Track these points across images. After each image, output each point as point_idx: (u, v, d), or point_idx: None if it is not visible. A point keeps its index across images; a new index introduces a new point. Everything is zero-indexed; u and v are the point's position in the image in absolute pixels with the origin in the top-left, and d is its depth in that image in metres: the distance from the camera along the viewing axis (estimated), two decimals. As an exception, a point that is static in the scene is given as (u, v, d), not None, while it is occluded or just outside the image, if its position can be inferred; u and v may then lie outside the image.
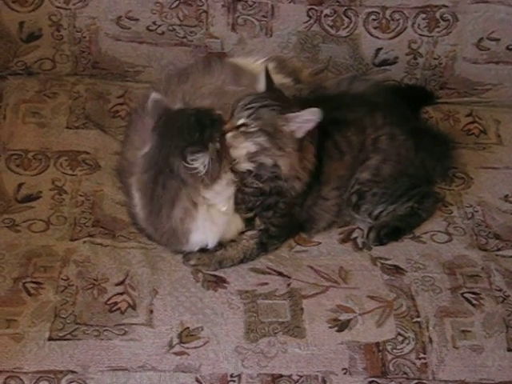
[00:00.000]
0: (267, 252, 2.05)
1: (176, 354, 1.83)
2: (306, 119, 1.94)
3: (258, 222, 2.05)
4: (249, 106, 1.96)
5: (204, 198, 1.94)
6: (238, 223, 2.04)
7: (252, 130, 1.94)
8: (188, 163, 1.86)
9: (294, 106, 1.98)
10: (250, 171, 1.99)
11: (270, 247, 2.06)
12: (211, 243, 2.00)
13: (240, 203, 2.01)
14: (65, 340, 1.83)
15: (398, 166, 2.13)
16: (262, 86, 2.03)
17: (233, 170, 1.97)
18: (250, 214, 2.03)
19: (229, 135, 1.94)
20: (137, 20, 2.43)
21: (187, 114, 1.94)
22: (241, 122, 1.95)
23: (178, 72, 2.34)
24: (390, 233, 2.11)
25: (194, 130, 1.90)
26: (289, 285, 1.98)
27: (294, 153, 1.96)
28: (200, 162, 1.86)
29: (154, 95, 1.98)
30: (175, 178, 1.91)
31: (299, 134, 1.95)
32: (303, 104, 2.11)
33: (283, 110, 1.96)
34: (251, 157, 1.96)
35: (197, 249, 2.01)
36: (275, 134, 1.94)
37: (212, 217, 1.96)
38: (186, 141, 1.89)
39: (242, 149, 1.95)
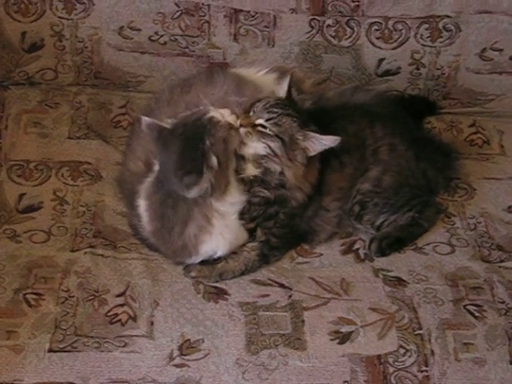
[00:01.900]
0: (269, 264, 2.05)
1: (176, 366, 1.83)
2: (324, 144, 1.95)
3: (259, 232, 2.04)
4: (271, 109, 1.97)
5: (218, 211, 1.94)
6: (244, 232, 2.03)
7: (269, 133, 1.95)
8: (189, 193, 1.86)
9: (311, 123, 2.00)
10: (256, 178, 1.99)
11: (271, 259, 2.05)
12: (222, 252, 2.00)
13: (244, 213, 2.00)
14: (65, 352, 1.83)
15: (399, 177, 2.12)
16: (283, 93, 2.04)
17: (241, 179, 1.97)
18: (252, 225, 2.03)
19: (243, 130, 1.94)
20: (139, 30, 2.44)
21: (178, 135, 1.91)
22: (259, 121, 1.96)
23: (181, 82, 2.33)
24: (392, 243, 2.11)
25: (186, 155, 1.88)
26: (290, 296, 1.97)
27: (302, 167, 1.97)
28: (200, 188, 1.86)
29: (145, 120, 1.95)
30: (184, 200, 1.91)
31: (312, 153, 1.97)
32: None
33: (304, 124, 1.97)
34: (259, 160, 1.96)
35: (204, 259, 2.01)
36: (290, 144, 1.95)
37: (226, 226, 1.97)
38: (182, 167, 1.87)
39: (251, 148, 1.96)
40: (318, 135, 1.96)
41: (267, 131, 1.95)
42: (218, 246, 1.99)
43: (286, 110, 1.98)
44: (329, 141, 1.95)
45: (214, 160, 1.87)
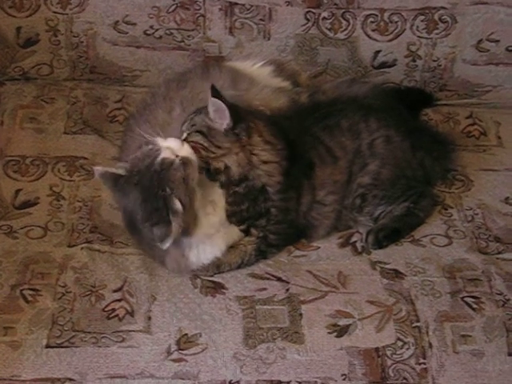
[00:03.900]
0: (266, 259, 2.05)
1: (174, 360, 1.82)
2: (213, 111, 1.94)
3: (253, 231, 2.04)
4: (186, 119, 1.99)
5: (197, 236, 1.94)
6: (234, 233, 2.03)
7: (190, 136, 1.96)
8: (163, 245, 1.83)
9: None
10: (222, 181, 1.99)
11: (268, 255, 2.05)
12: (220, 254, 2.00)
13: (230, 216, 2.00)
14: (62, 347, 1.82)
15: (396, 169, 2.12)
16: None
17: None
18: (243, 226, 2.03)
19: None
20: (134, 24, 2.43)
21: (134, 184, 1.86)
22: (184, 135, 1.97)
23: (177, 77, 2.33)
24: (389, 235, 2.10)
25: (148, 206, 1.84)
26: (287, 290, 1.97)
27: (235, 149, 1.96)
28: (173, 237, 1.82)
29: (97, 170, 1.91)
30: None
31: (224, 127, 1.95)
32: (299, 111, 2.13)
33: (206, 110, 1.98)
34: (203, 165, 1.95)
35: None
36: (209, 132, 1.95)
37: (209, 242, 1.97)
38: (148, 219, 1.84)
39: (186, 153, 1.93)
40: (207, 106, 1.95)
41: (190, 135, 1.96)
42: (213, 253, 1.98)
43: (198, 111, 1.99)
44: (211, 104, 1.93)
45: (177, 204, 1.83)
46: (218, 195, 1.99)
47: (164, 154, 1.86)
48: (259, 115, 2.08)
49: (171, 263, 1.96)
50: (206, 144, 1.95)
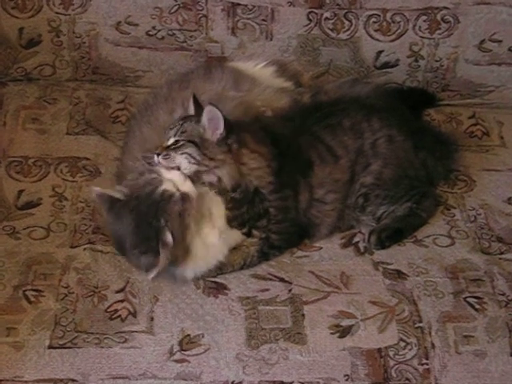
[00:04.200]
0: (268, 261, 2.04)
1: (177, 361, 1.82)
2: (208, 119, 1.93)
3: (255, 233, 2.04)
4: (174, 125, 1.97)
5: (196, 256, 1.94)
6: (236, 236, 2.03)
7: (181, 143, 1.93)
8: (149, 275, 1.84)
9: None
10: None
11: (271, 257, 2.05)
12: (222, 258, 1.99)
13: (231, 221, 1.99)
14: (65, 348, 1.83)
15: (398, 169, 2.12)
16: (191, 112, 2.02)
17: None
18: (245, 229, 2.03)
19: (160, 157, 1.92)
20: (136, 25, 2.43)
21: (130, 210, 1.86)
22: (171, 141, 1.95)
23: (179, 78, 2.33)
24: (391, 235, 2.10)
25: (140, 233, 1.85)
26: (290, 291, 1.97)
27: (227, 157, 1.95)
28: (160, 268, 1.82)
29: (95, 190, 1.91)
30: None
31: (215, 138, 1.93)
32: (300, 111, 2.12)
33: (200, 118, 1.96)
34: (196, 179, 1.94)
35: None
36: (202, 143, 1.93)
37: (211, 250, 1.97)
38: (137, 246, 1.85)
39: (174, 164, 1.92)
40: (202, 117, 1.93)
41: (179, 144, 1.93)
42: (216, 258, 1.98)
43: (187, 118, 1.98)
44: (206, 114, 1.92)
45: (169, 237, 1.83)
46: (215, 204, 1.98)
47: (166, 186, 1.87)
48: (245, 123, 2.07)
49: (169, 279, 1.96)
50: (198, 158, 1.93)
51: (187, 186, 1.90)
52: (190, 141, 1.93)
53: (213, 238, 1.96)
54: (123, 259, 2.00)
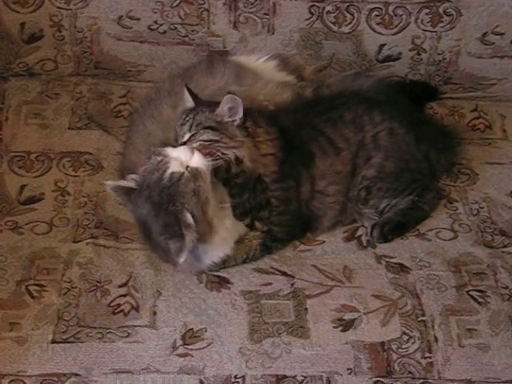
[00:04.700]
0: (271, 254, 2.05)
1: (180, 355, 1.82)
2: (229, 107, 1.95)
3: (258, 224, 2.04)
4: (185, 120, 1.97)
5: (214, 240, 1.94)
6: (240, 228, 2.03)
7: (197, 132, 1.95)
8: (180, 259, 1.83)
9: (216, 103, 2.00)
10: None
11: (273, 250, 2.05)
12: (229, 251, 1.99)
13: (234, 209, 1.99)
14: (68, 343, 1.83)
15: (400, 162, 2.13)
16: (190, 104, 2.03)
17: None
18: (247, 220, 2.03)
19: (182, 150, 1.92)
20: (138, 19, 2.43)
21: (145, 199, 1.86)
22: (187, 136, 1.95)
23: (182, 73, 2.33)
24: (394, 228, 2.10)
25: (160, 221, 1.84)
26: (293, 284, 1.97)
27: (247, 140, 1.97)
28: (188, 250, 1.82)
29: (109, 184, 1.91)
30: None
31: (237, 122, 1.97)
32: (302, 104, 2.12)
33: (211, 107, 1.98)
34: (213, 153, 1.93)
35: None
36: (219, 126, 1.96)
37: (222, 242, 1.96)
38: (161, 233, 1.85)
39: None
40: (220, 105, 1.96)
41: (196, 135, 1.95)
42: (224, 251, 1.98)
43: (194, 111, 1.98)
44: (226, 103, 1.95)
45: (189, 218, 1.82)
46: (225, 195, 1.98)
47: (173, 168, 1.86)
48: (256, 110, 2.08)
49: (185, 266, 1.94)
50: (217, 137, 1.95)
51: (196, 160, 1.88)
52: (205, 127, 1.95)
53: (228, 220, 1.96)
54: (126, 254, 2.01)
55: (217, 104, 1.98)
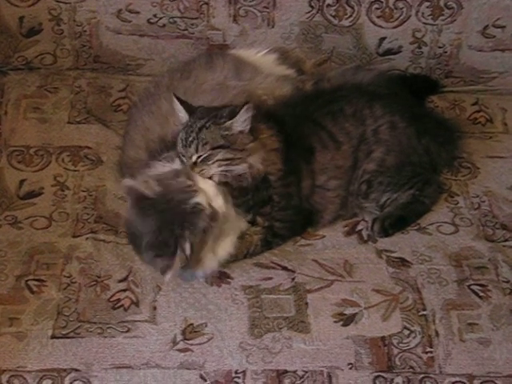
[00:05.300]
0: (271, 249, 2.04)
1: (180, 350, 1.82)
2: (244, 119, 1.90)
3: (259, 220, 2.03)
4: (188, 141, 1.91)
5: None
6: (242, 224, 2.02)
7: (208, 154, 1.89)
8: (164, 277, 1.83)
9: (221, 110, 1.95)
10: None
11: (274, 246, 2.05)
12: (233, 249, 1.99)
13: (237, 208, 1.98)
14: (68, 338, 1.83)
15: (401, 156, 2.12)
16: (183, 115, 1.97)
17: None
18: (249, 217, 2.01)
19: (195, 173, 1.90)
20: (137, 13, 2.42)
21: (158, 211, 1.85)
22: (194, 158, 1.91)
23: (181, 67, 2.32)
24: (395, 223, 2.10)
25: (161, 237, 1.84)
26: (293, 279, 1.96)
27: (255, 144, 1.94)
28: (174, 272, 1.82)
29: (125, 182, 1.90)
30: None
31: (247, 129, 1.92)
32: (302, 98, 2.12)
33: (217, 120, 1.91)
34: (226, 172, 1.91)
35: None
36: (227, 143, 1.90)
37: (225, 242, 1.96)
38: (154, 248, 1.84)
39: (212, 173, 1.91)
40: (232, 120, 1.90)
41: (206, 155, 1.90)
42: (226, 250, 1.97)
43: (195, 127, 1.91)
44: (244, 113, 1.89)
45: (187, 247, 1.82)
46: (228, 195, 1.96)
47: (199, 199, 1.86)
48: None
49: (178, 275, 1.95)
50: (231, 155, 1.90)
51: (218, 202, 1.89)
52: (214, 147, 1.90)
53: (223, 252, 1.96)
54: (126, 248, 2.00)
55: (216, 109, 1.95)
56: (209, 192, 1.89)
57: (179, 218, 1.84)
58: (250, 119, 1.91)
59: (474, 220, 2.14)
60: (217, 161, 1.89)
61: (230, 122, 1.90)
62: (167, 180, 1.90)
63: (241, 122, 1.91)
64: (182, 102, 1.96)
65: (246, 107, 1.89)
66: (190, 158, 1.90)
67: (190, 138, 1.90)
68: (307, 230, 2.09)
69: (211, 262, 1.93)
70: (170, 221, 1.84)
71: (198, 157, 1.90)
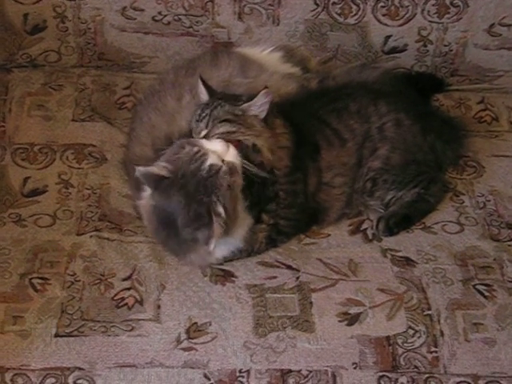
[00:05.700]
0: (276, 247, 2.04)
1: (184, 349, 1.82)
2: (262, 103, 1.94)
3: (265, 217, 2.02)
4: (201, 116, 1.95)
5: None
6: (248, 221, 2.01)
7: (214, 128, 1.94)
8: (209, 246, 1.83)
9: (241, 95, 2.00)
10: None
11: (279, 243, 2.04)
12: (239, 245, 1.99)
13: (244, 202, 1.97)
14: (72, 336, 1.82)
15: (406, 154, 2.12)
16: (204, 96, 2.01)
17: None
18: (255, 212, 2.00)
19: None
20: (142, 10, 2.42)
21: (179, 188, 1.84)
22: (203, 133, 1.94)
23: (186, 64, 2.32)
24: (400, 222, 2.09)
25: (192, 211, 1.83)
26: (298, 278, 1.96)
27: (265, 130, 1.96)
28: (217, 238, 1.82)
29: (139, 170, 1.87)
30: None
31: (262, 115, 1.96)
32: (307, 96, 2.11)
33: (234, 102, 1.97)
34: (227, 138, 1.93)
35: None
36: (237, 119, 1.94)
37: (235, 236, 1.95)
38: (190, 224, 1.84)
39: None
40: (250, 102, 1.95)
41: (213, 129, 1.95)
42: (235, 245, 1.97)
43: (211, 106, 1.96)
44: (262, 98, 1.94)
45: (221, 210, 1.82)
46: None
47: (211, 160, 1.85)
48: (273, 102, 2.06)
49: (196, 259, 1.94)
50: (234, 128, 1.93)
51: (231, 155, 1.88)
52: (222, 121, 1.94)
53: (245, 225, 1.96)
54: (130, 247, 2.00)
55: (235, 97, 1.98)
56: (217, 149, 1.88)
57: (201, 186, 1.84)
58: (267, 106, 1.94)
59: (480, 219, 2.13)
60: (217, 134, 1.92)
61: (246, 104, 1.94)
62: (175, 155, 1.89)
63: (257, 107, 1.94)
64: (206, 85, 2.00)
65: (264, 91, 1.93)
66: (199, 133, 1.93)
67: (204, 114, 1.95)
68: (312, 228, 2.09)
69: (245, 220, 1.94)
70: (194, 192, 1.83)
71: (208, 132, 1.93)
